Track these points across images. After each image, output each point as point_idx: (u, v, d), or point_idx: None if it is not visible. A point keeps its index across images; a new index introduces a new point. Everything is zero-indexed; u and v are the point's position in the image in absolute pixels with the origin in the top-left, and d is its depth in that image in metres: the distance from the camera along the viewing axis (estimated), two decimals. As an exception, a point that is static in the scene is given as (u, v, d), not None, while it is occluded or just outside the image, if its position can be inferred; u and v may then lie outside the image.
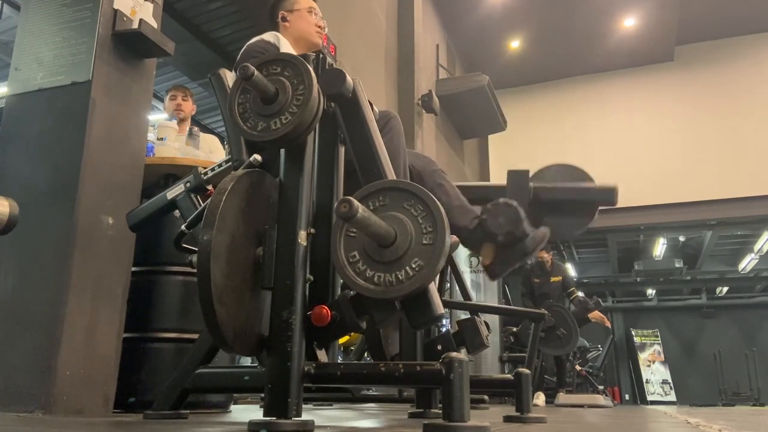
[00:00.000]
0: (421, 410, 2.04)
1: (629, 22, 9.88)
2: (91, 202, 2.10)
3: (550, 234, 1.85)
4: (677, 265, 12.70)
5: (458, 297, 3.77)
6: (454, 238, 1.84)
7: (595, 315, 6.28)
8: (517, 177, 2.05)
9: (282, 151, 1.42)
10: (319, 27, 2.27)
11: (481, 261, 1.84)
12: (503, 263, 1.81)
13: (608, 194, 2.06)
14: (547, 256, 6.26)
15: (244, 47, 2.07)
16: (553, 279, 6.27)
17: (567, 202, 2.08)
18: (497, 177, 11.24)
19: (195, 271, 1.27)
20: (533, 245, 1.80)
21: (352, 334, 2.04)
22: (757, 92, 10.21)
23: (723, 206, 10.00)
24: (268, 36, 2.12)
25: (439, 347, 1.79)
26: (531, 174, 2.11)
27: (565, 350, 5.34)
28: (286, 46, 2.10)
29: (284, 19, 2.25)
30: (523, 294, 6.43)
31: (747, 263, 13.35)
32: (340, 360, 3.52)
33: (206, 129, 8.43)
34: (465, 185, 2.10)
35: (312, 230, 1.39)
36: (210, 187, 1.93)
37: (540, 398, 5.36)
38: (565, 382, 6.32)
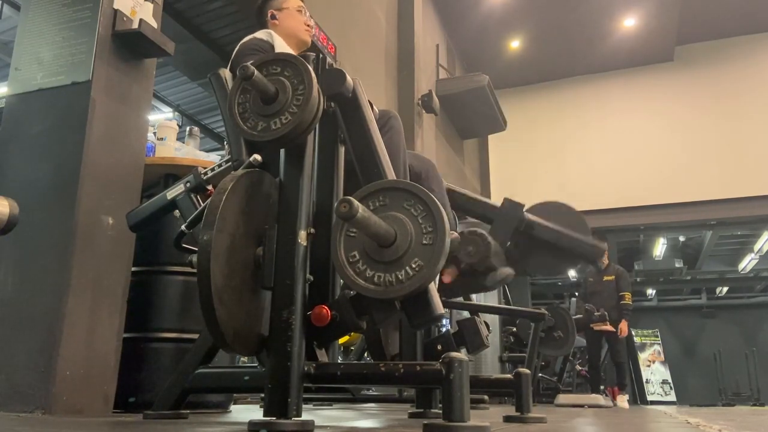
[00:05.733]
0: (421, 410, 2.04)
1: (629, 22, 9.88)
2: (91, 202, 2.10)
3: (535, 270, 1.86)
4: (677, 265, 12.68)
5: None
6: (455, 234, 1.84)
7: (599, 326, 6.20)
8: (509, 209, 2.00)
9: (282, 151, 1.42)
10: (308, 25, 2.31)
11: (441, 278, 1.80)
12: (460, 288, 1.80)
13: (593, 253, 2.06)
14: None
15: (238, 45, 2.08)
16: (605, 278, 6.13)
17: (555, 246, 2.06)
18: (497, 177, 11.25)
19: (195, 271, 1.27)
20: (492, 282, 1.80)
21: (352, 334, 2.04)
22: (757, 92, 10.21)
23: (723, 206, 9.99)
24: (261, 34, 2.14)
25: (439, 347, 1.79)
26: (537, 203, 2.10)
27: (561, 352, 5.28)
28: (280, 43, 2.12)
29: (273, 17, 2.29)
30: (577, 294, 6.31)
31: (747, 263, 13.35)
32: (340, 360, 3.51)
33: (206, 129, 8.43)
34: (461, 193, 2.09)
35: (312, 230, 1.39)
36: (210, 187, 1.93)
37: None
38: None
